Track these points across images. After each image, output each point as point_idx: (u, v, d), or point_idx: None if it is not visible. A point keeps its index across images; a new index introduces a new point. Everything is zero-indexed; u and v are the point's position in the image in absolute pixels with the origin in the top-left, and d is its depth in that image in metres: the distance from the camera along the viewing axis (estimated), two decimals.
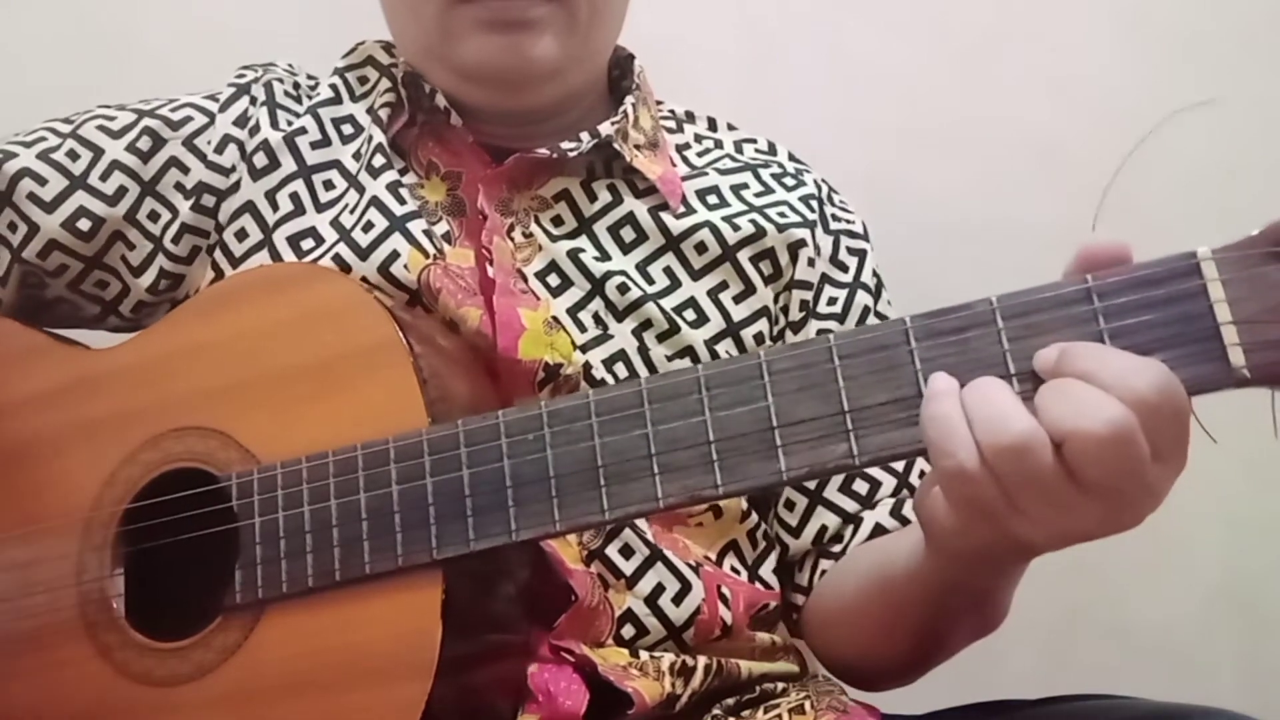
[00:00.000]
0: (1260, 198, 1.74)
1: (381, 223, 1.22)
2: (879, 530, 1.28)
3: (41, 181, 1.26)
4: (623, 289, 1.24)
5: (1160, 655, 1.79)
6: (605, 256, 1.27)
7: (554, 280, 1.25)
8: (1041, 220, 1.82)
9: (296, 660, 1.02)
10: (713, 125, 1.45)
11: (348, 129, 1.30)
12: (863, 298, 1.36)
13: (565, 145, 1.27)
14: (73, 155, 1.28)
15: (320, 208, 1.26)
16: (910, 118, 1.87)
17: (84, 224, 1.26)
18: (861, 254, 1.38)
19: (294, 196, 1.26)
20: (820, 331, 1.32)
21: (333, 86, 1.34)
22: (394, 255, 1.20)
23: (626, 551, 1.18)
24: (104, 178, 1.27)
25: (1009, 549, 0.90)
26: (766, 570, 1.29)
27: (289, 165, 1.27)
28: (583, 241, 1.27)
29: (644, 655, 1.16)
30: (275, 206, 1.26)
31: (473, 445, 0.98)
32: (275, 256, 1.24)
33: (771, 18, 1.89)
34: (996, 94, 1.88)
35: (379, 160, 1.26)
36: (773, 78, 1.87)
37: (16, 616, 1.13)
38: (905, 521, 1.28)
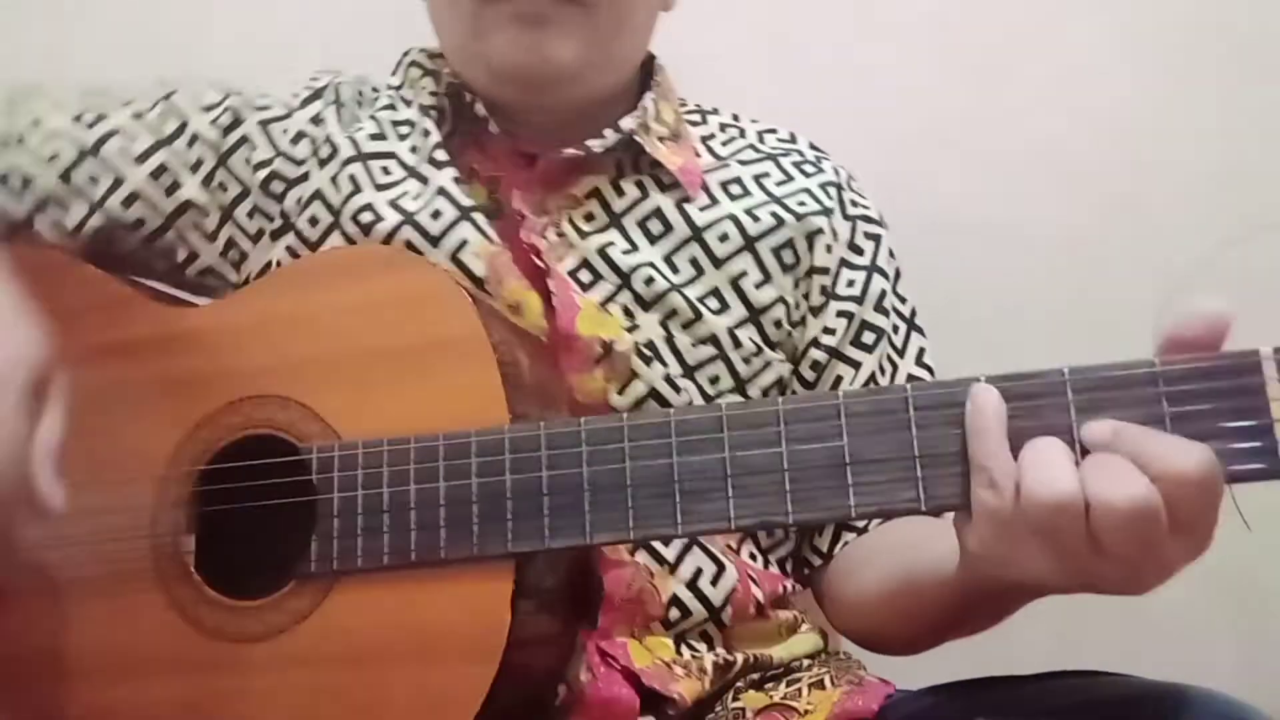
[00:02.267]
0: (1262, 205, 1.82)
1: (450, 211, 1.28)
2: None
3: (131, 138, 1.35)
4: (649, 281, 1.30)
5: (1162, 633, 1.83)
6: (633, 249, 1.32)
7: (585, 276, 1.30)
8: (1049, 224, 1.89)
9: (366, 631, 1.06)
10: (735, 118, 1.50)
11: (404, 129, 1.37)
12: (879, 282, 1.41)
13: (591, 143, 1.33)
14: (162, 117, 1.36)
15: (378, 188, 1.32)
16: (927, 127, 1.93)
17: (166, 179, 1.34)
18: (877, 239, 1.43)
19: (352, 178, 1.33)
20: (840, 314, 1.39)
21: (389, 97, 1.41)
22: (464, 243, 1.26)
23: (665, 539, 1.23)
24: (189, 145, 1.35)
25: (1025, 580, 0.95)
26: (776, 558, 1.35)
27: (347, 151, 1.35)
28: (612, 235, 1.33)
29: (687, 653, 1.22)
30: (338, 189, 1.32)
31: (553, 449, 1.03)
32: (346, 237, 1.30)
33: (796, 33, 1.95)
34: (1008, 105, 1.93)
35: (441, 155, 1.33)
36: (797, 90, 1.93)
37: (89, 560, 1.16)
38: None
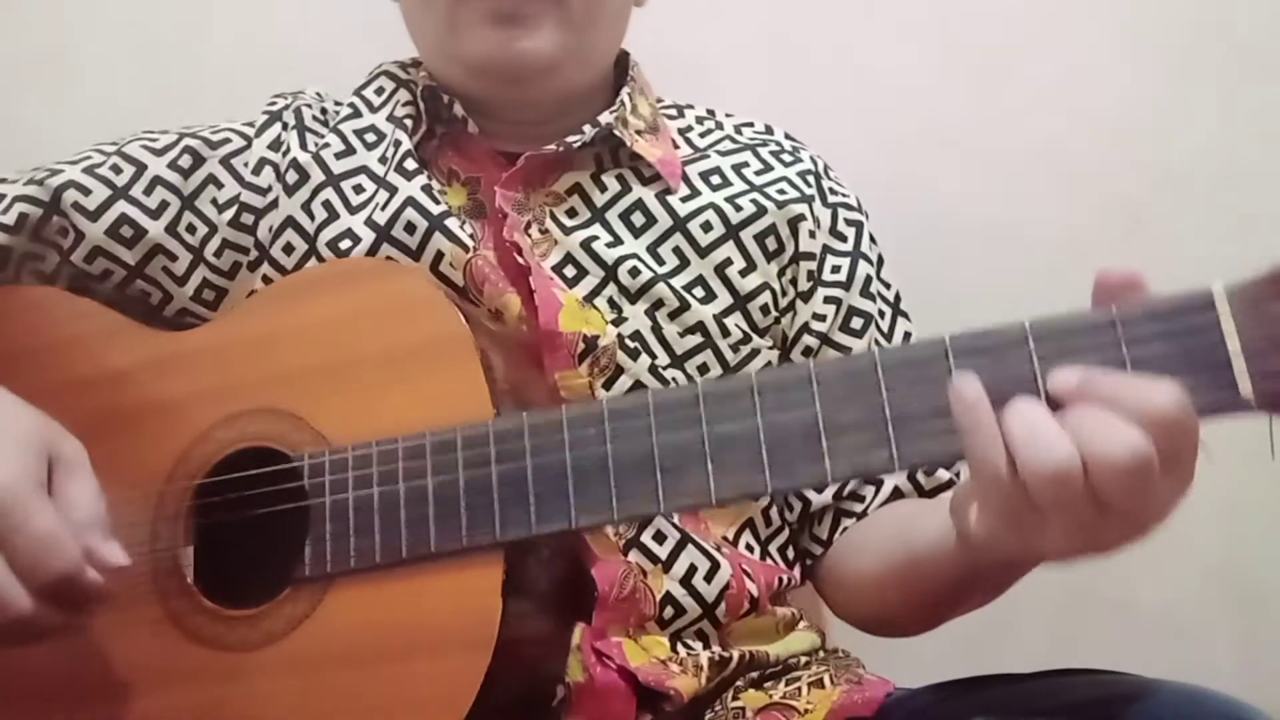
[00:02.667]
0: (1260, 204, 1.82)
1: (422, 224, 1.29)
2: (896, 493, 1.35)
3: (85, 192, 1.33)
4: (634, 272, 1.31)
5: (1161, 632, 1.85)
6: (617, 241, 1.34)
7: (570, 271, 1.31)
8: (1049, 224, 1.89)
9: (362, 630, 1.07)
10: (710, 112, 1.52)
11: (370, 137, 1.37)
12: (864, 268, 1.42)
13: (570, 139, 1.34)
14: (116, 169, 1.35)
15: (353, 210, 1.33)
16: (927, 128, 1.94)
17: (126, 231, 1.33)
18: (859, 225, 1.45)
19: (326, 204, 1.33)
20: (828, 300, 1.40)
21: (351, 104, 1.41)
22: (439, 255, 1.27)
23: (659, 537, 1.24)
24: (147, 192, 1.35)
25: (1028, 558, 0.96)
26: (775, 548, 1.36)
27: (317, 177, 1.35)
28: (596, 229, 1.34)
29: (683, 651, 1.23)
30: (312, 216, 1.33)
31: (536, 437, 1.04)
32: (321, 262, 1.31)
33: (795, 34, 1.96)
34: (1008, 105, 1.94)
35: (410, 164, 1.33)
36: (796, 90, 1.94)
37: None
38: (918, 485, 1.36)
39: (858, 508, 1.35)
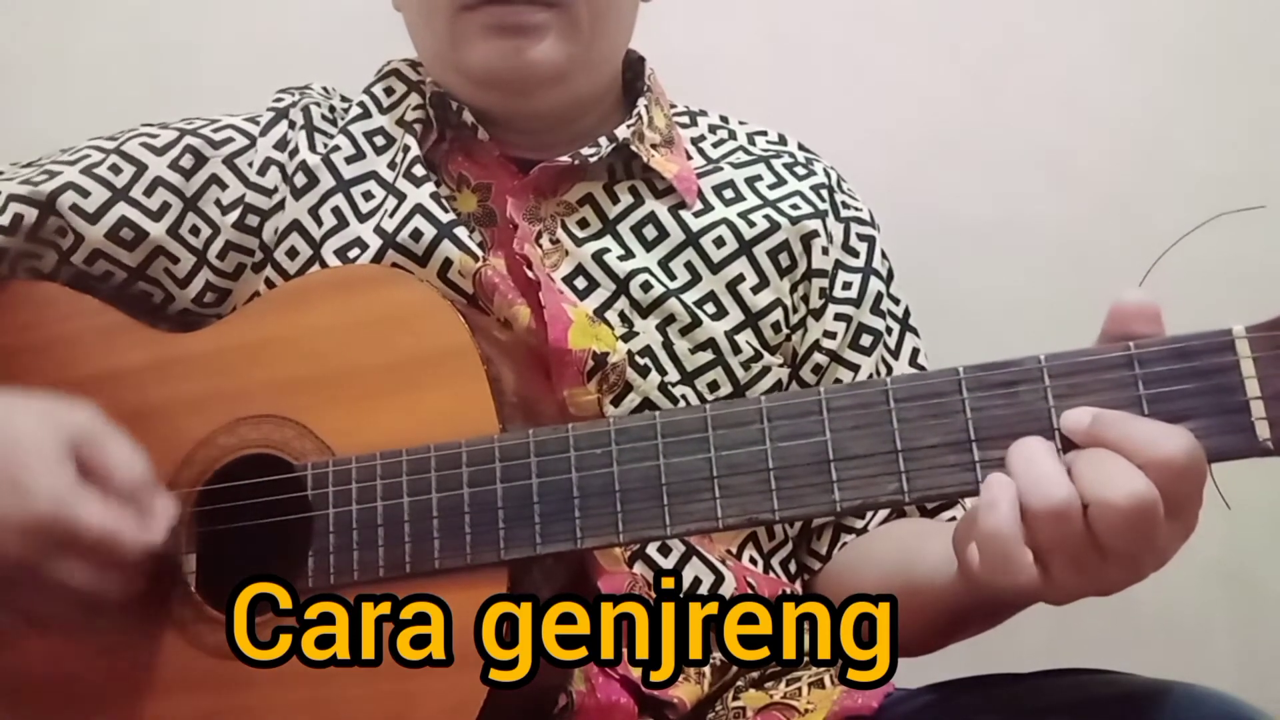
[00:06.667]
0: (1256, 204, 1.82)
1: (430, 230, 1.27)
2: (897, 510, 1.34)
3: (84, 194, 1.29)
4: (646, 287, 1.30)
5: (1160, 631, 1.85)
6: (629, 255, 1.32)
7: (581, 283, 1.30)
8: (1048, 224, 1.89)
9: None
10: (724, 119, 1.50)
11: (380, 140, 1.35)
12: (875, 284, 1.41)
13: (585, 151, 1.32)
14: (115, 170, 1.31)
15: (363, 218, 1.31)
16: (927, 129, 1.93)
17: (127, 234, 1.30)
18: (870, 240, 1.43)
19: (336, 210, 1.31)
20: (838, 317, 1.38)
21: (361, 104, 1.39)
22: (448, 263, 1.26)
23: (664, 550, 1.24)
24: (148, 193, 1.31)
25: (1024, 595, 0.94)
26: (777, 561, 1.35)
27: (327, 182, 1.32)
28: (608, 241, 1.32)
29: None
30: (320, 222, 1.31)
31: (543, 455, 1.03)
32: (325, 268, 1.29)
33: (796, 34, 1.96)
34: (1007, 106, 1.94)
35: (419, 170, 1.31)
36: (797, 91, 1.94)
37: None
38: (920, 507, 1.34)
39: (858, 523, 1.34)
